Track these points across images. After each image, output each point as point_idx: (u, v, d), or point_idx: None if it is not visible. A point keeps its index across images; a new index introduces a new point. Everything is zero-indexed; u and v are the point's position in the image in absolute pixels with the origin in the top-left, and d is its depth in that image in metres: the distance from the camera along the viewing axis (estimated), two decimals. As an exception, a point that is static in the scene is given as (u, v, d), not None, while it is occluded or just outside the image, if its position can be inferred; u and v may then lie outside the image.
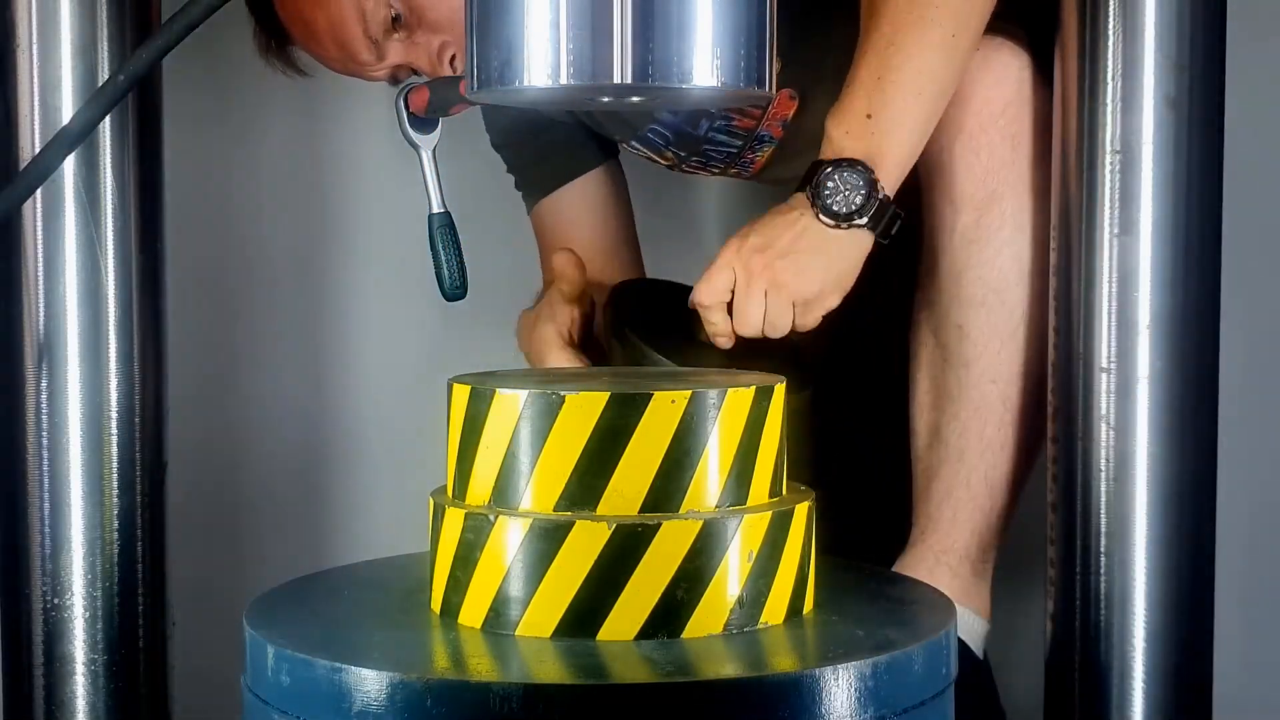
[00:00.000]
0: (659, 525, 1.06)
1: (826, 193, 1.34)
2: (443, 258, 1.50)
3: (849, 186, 1.33)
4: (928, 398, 1.50)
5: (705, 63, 1.06)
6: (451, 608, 1.11)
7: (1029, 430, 1.47)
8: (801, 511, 1.13)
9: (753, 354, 1.38)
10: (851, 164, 1.33)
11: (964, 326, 1.46)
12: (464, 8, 1.09)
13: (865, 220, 1.35)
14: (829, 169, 1.34)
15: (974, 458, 1.47)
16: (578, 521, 1.06)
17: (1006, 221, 1.45)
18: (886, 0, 1.37)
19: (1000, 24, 1.43)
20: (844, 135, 1.35)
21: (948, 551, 1.47)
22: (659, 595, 1.06)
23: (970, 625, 1.49)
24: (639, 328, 1.42)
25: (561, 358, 1.49)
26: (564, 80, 1.05)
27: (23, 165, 1.44)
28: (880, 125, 1.34)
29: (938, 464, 1.49)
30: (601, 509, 1.07)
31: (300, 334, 2.07)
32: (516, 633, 1.08)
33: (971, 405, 1.46)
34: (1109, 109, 1.40)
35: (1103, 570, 1.42)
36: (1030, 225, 1.45)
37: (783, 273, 1.35)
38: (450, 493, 1.14)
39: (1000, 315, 1.46)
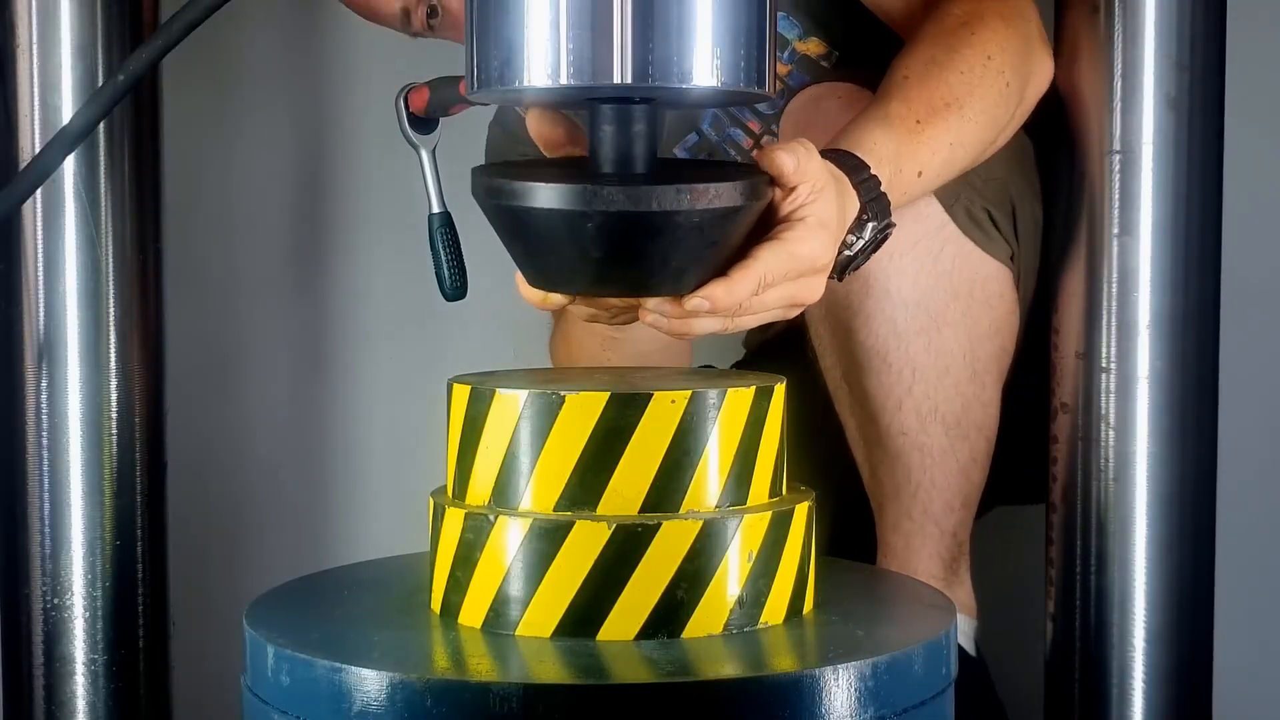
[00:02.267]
0: (659, 525, 1.06)
1: (860, 251, 1.24)
2: (443, 258, 1.50)
3: (875, 247, 1.26)
4: (857, 437, 1.49)
5: (705, 63, 1.06)
6: (451, 608, 1.11)
7: (955, 462, 1.46)
8: (801, 511, 1.13)
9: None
10: (891, 225, 1.27)
11: (862, 385, 1.45)
12: (464, 9, 1.09)
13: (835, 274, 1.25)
14: (888, 230, 1.25)
15: (907, 496, 1.47)
16: (578, 521, 1.06)
17: (871, 289, 1.41)
18: (953, 49, 1.33)
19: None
20: (891, 189, 1.26)
21: (912, 573, 1.47)
22: (659, 595, 1.06)
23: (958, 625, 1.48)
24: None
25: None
26: (564, 80, 1.05)
27: (23, 165, 1.44)
28: (924, 184, 1.32)
29: (881, 499, 1.49)
30: (601, 509, 1.07)
31: (300, 334, 2.07)
32: (516, 633, 1.08)
33: (890, 455, 1.46)
34: (1110, 109, 1.40)
35: (1103, 570, 1.42)
36: (894, 289, 1.41)
37: (809, 294, 1.19)
38: (450, 493, 1.14)
39: (889, 377, 1.43)
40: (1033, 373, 1.51)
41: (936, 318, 1.42)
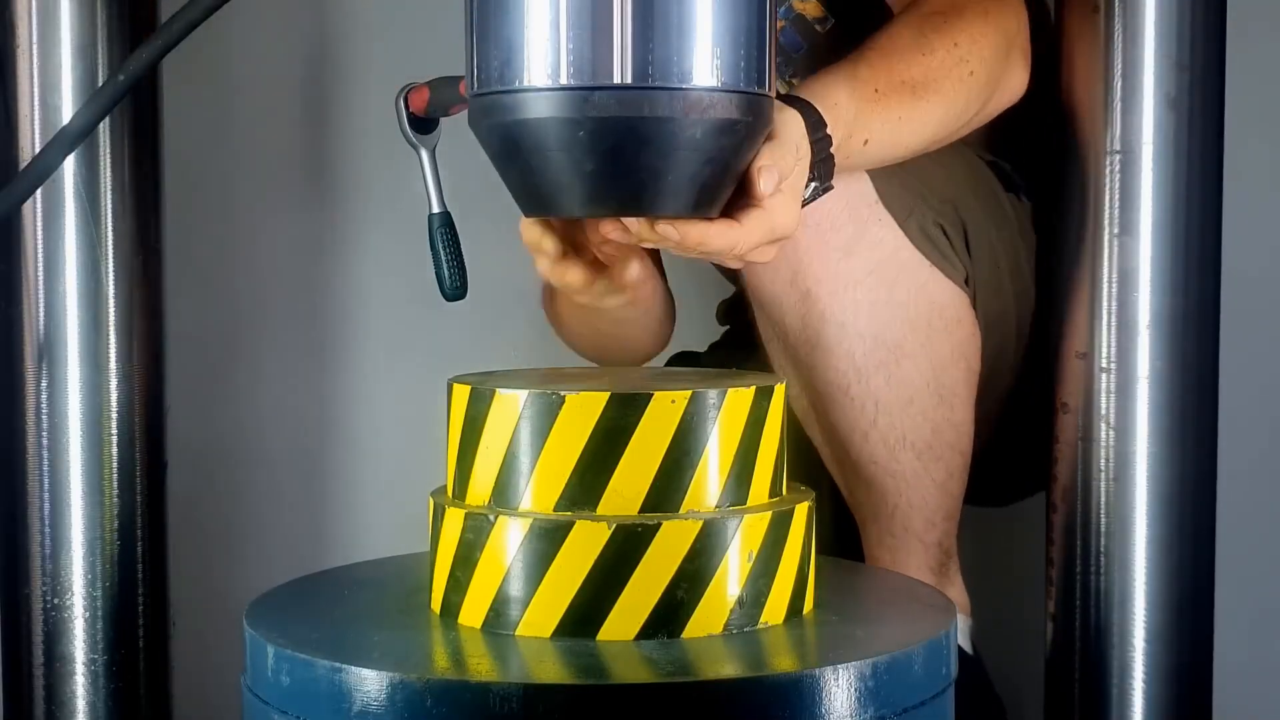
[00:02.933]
0: (659, 525, 1.06)
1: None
2: (443, 258, 1.50)
3: (814, 198, 1.27)
4: (831, 459, 1.49)
5: (705, 63, 1.06)
6: (451, 608, 1.11)
7: (932, 481, 1.46)
8: (801, 511, 1.13)
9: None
10: (830, 187, 1.27)
11: (828, 416, 1.44)
12: (464, 9, 1.09)
13: None
14: (819, 187, 1.26)
15: (885, 518, 1.47)
16: (578, 521, 1.06)
17: (826, 322, 1.39)
18: (923, 33, 1.33)
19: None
20: (838, 151, 1.27)
21: None
22: (659, 595, 1.06)
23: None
24: None
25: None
26: (564, 80, 1.05)
27: (23, 165, 1.44)
28: (866, 154, 1.31)
29: (862, 518, 1.49)
30: (601, 509, 1.07)
31: (300, 334, 2.07)
32: (516, 633, 1.08)
33: (864, 480, 1.46)
34: (1110, 109, 1.40)
35: (1103, 570, 1.42)
36: (850, 324, 1.39)
37: (765, 257, 1.22)
38: (450, 493, 1.14)
39: (853, 411, 1.42)
40: (1030, 382, 1.50)
41: (895, 350, 1.40)
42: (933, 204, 1.42)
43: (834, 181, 1.24)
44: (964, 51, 1.34)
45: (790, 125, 1.17)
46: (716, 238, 1.12)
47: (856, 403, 1.42)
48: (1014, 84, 1.40)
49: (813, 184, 1.23)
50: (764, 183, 1.13)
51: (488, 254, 1.67)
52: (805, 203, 1.23)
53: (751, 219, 1.13)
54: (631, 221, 1.12)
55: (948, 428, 1.45)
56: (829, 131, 1.23)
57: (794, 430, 1.21)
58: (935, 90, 1.32)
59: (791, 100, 1.20)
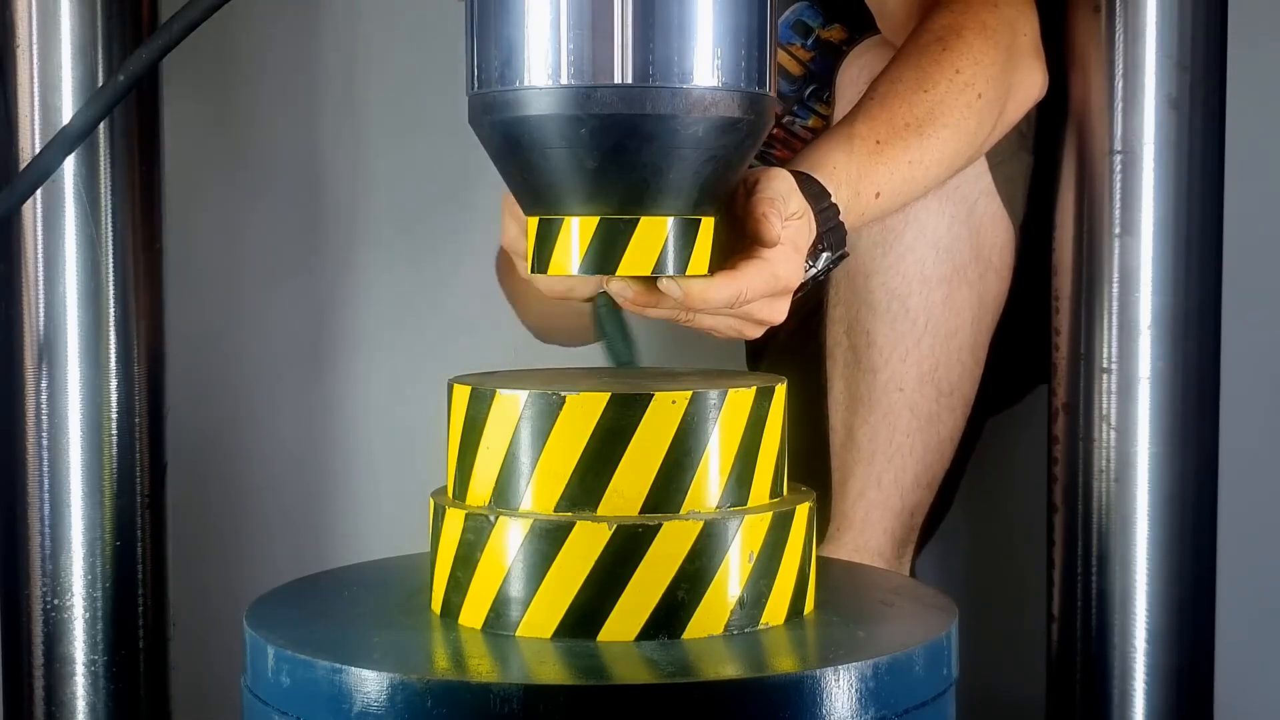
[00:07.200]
0: (659, 526, 1.06)
1: (811, 279, 1.25)
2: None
3: (830, 266, 1.27)
4: (842, 398, 1.49)
5: (705, 63, 1.06)
6: (452, 608, 1.11)
7: (937, 434, 1.47)
8: (802, 512, 1.13)
9: None
10: (845, 255, 1.27)
11: (871, 333, 1.44)
12: (464, 9, 1.09)
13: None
14: (832, 258, 1.25)
15: (883, 461, 1.47)
16: (578, 522, 1.06)
17: (909, 225, 1.41)
18: (921, 67, 1.33)
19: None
20: (849, 212, 1.26)
21: (861, 550, 1.47)
22: (659, 596, 1.06)
23: None
24: None
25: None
26: (564, 80, 1.05)
27: (23, 165, 1.44)
28: (881, 206, 1.31)
29: (851, 464, 1.49)
30: (602, 509, 1.07)
31: (301, 334, 2.07)
32: (517, 633, 1.08)
33: (880, 411, 1.45)
34: (1111, 109, 1.40)
35: (1104, 571, 1.42)
36: (930, 230, 1.41)
37: (776, 314, 1.22)
38: (450, 493, 1.14)
39: (904, 324, 1.43)
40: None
41: (959, 271, 1.42)
42: (1026, 158, 1.45)
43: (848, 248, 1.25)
44: (968, 76, 1.33)
45: (780, 179, 1.16)
46: (719, 290, 1.11)
47: (911, 314, 1.43)
48: (1031, 87, 1.40)
49: (824, 254, 1.22)
50: (767, 229, 1.12)
51: (488, 253, 1.67)
52: (821, 273, 1.23)
53: (751, 267, 1.12)
54: (632, 282, 1.11)
55: (969, 381, 1.46)
56: (833, 200, 1.22)
57: (795, 429, 1.21)
58: (942, 124, 1.32)
59: (791, 174, 1.19)
